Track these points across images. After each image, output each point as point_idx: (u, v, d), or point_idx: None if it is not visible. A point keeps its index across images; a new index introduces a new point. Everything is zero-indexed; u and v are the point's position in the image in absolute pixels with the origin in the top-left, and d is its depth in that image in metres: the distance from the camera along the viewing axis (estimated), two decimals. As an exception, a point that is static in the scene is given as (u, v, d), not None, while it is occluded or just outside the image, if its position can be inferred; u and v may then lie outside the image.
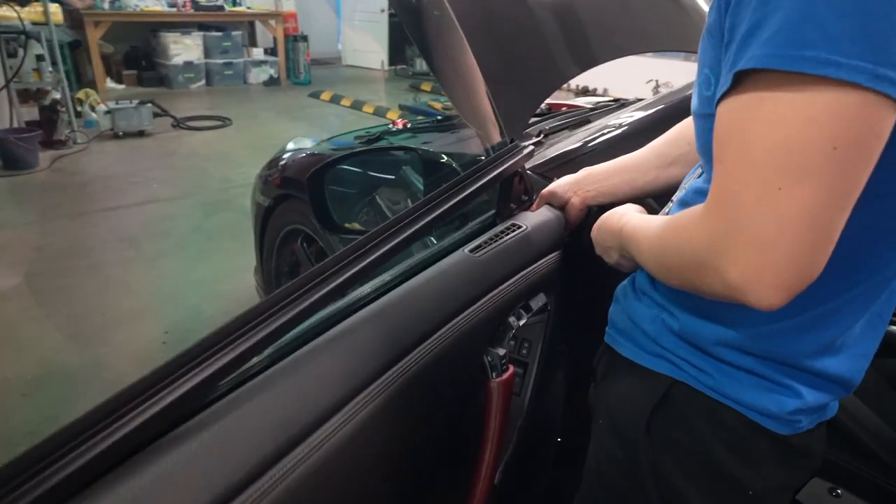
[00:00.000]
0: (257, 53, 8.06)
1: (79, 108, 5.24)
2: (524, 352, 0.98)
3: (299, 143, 2.19)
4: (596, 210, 1.06)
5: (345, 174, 1.72)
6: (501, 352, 0.83)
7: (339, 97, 6.98)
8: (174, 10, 7.32)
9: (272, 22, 8.09)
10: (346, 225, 1.71)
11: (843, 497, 1.15)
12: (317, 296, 0.58)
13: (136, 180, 4.21)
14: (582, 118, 1.61)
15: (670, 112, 1.34)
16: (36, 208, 3.76)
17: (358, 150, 1.81)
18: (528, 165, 1.09)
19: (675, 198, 0.77)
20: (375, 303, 0.70)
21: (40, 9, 4.99)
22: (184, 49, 7.29)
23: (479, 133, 1.11)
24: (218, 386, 0.51)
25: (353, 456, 0.59)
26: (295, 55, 8.09)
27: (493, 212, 1.03)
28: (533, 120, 1.62)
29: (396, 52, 9.08)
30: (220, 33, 7.62)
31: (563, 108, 2.06)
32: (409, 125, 2.09)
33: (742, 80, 0.46)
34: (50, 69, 4.74)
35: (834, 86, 0.41)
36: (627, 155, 0.99)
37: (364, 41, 9.24)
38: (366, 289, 0.76)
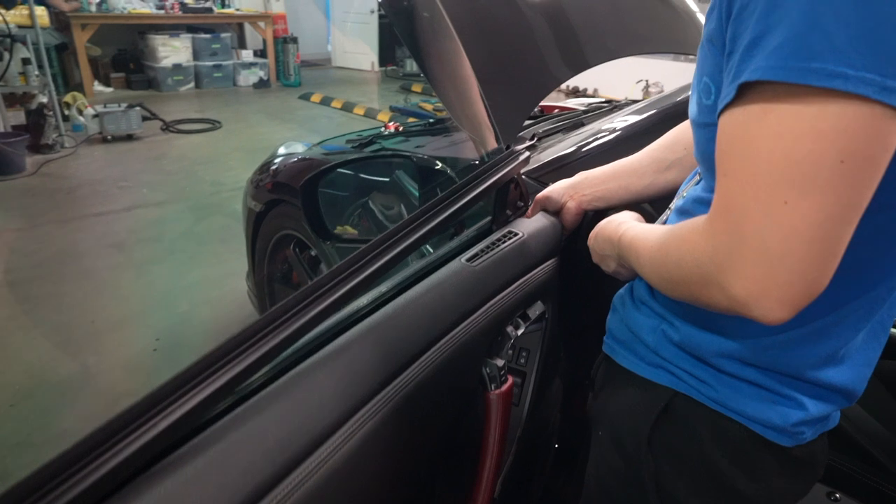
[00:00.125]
0: (247, 55, 8.01)
1: (66, 112, 5.18)
2: (522, 361, 0.97)
3: (291, 148, 2.17)
4: (592, 215, 1.05)
5: (337, 179, 1.70)
6: (500, 363, 0.82)
7: (330, 99, 6.96)
8: (162, 12, 7.26)
9: (261, 24, 8.05)
10: (339, 228, 1.70)
11: (841, 501, 1.15)
12: (315, 311, 0.56)
13: (125, 185, 4.17)
14: (575, 121, 1.61)
15: (665, 116, 1.33)
16: (23, 214, 3.72)
17: (351, 157, 1.79)
18: (522, 171, 1.08)
19: (672, 205, 0.77)
20: (372, 317, 0.69)
21: (26, 12, 4.94)
22: (172, 51, 7.24)
23: (473, 138, 1.10)
24: (212, 409, 0.50)
25: (351, 476, 0.57)
26: (285, 57, 8.05)
27: (489, 218, 1.02)
28: (525, 123, 1.61)
29: (386, 54, 9.06)
30: (208, 35, 7.57)
31: (556, 111, 2.05)
32: (400, 128, 2.08)
33: (746, 92, 0.45)
34: (36, 73, 4.69)
35: (841, 98, 0.41)
36: (624, 159, 0.98)
37: (354, 42, 9.22)
38: (362, 300, 0.75)
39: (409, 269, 0.84)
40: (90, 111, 5.12)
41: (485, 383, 0.81)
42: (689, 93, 0.63)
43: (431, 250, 0.98)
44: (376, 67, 9.13)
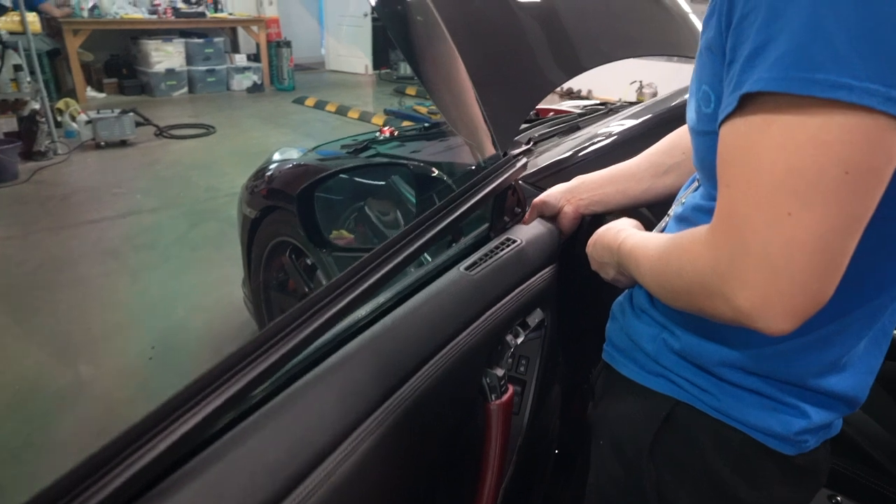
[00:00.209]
0: (240, 60, 7.99)
1: (59, 119, 5.16)
2: (522, 369, 0.96)
3: (286, 154, 2.16)
4: (589, 219, 1.04)
5: (333, 184, 1.69)
6: (500, 372, 0.81)
7: (324, 103, 6.94)
8: (155, 17, 7.23)
9: (255, 28, 8.04)
10: (335, 233, 1.69)
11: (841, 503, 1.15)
12: (314, 326, 0.55)
13: (119, 191, 4.15)
14: (571, 124, 1.60)
15: (661, 120, 1.33)
16: (16, 221, 3.69)
17: (347, 166, 1.78)
18: (519, 176, 1.08)
19: (671, 212, 0.76)
20: (371, 329, 0.68)
21: (17, 18, 4.91)
22: (165, 56, 7.21)
23: (470, 144, 1.10)
24: (211, 428, 0.49)
25: (353, 491, 0.56)
26: (278, 61, 8.04)
27: (486, 225, 1.01)
28: (521, 127, 1.61)
29: (380, 57, 9.06)
30: (201, 40, 7.54)
31: (551, 114, 2.05)
32: (396, 132, 2.07)
33: (748, 102, 0.45)
34: (28, 79, 4.66)
35: (845, 109, 0.40)
36: (621, 163, 0.98)
37: (347, 46, 9.21)
38: (361, 311, 0.74)
39: (408, 279, 0.83)
40: (83, 117, 5.09)
41: (485, 394, 0.80)
42: (685, 97, 0.62)
43: (430, 258, 0.97)
44: (370, 70, 9.13)
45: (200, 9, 7.63)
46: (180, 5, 7.49)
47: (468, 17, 1.05)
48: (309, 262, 1.84)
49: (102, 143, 5.01)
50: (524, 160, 0.98)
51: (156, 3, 7.27)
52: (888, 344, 0.65)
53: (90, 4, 6.62)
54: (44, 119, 4.70)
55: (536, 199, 1.03)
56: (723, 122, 0.48)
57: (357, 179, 1.76)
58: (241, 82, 7.88)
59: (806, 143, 0.42)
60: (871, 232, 0.46)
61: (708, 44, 0.53)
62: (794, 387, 0.62)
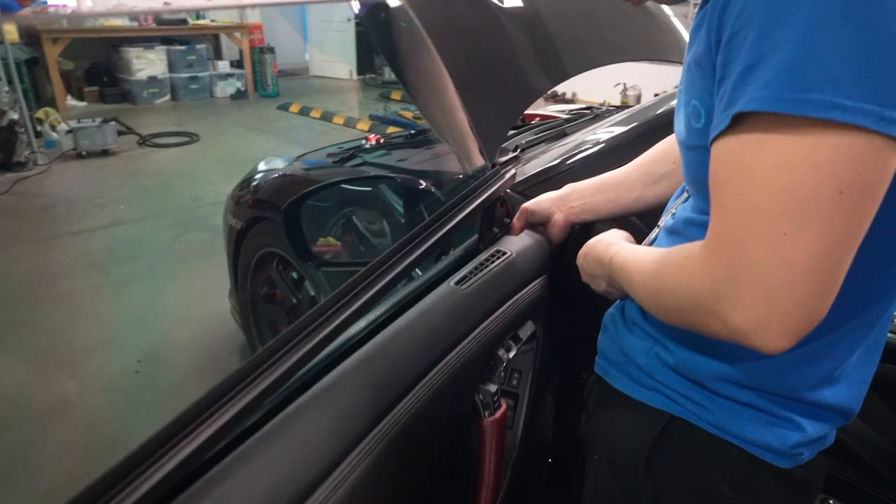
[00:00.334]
0: (223, 66, 7.92)
1: (39, 128, 5.07)
2: (514, 382, 0.95)
3: (271, 163, 2.14)
4: (578, 228, 1.04)
5: (320, 196, 1.68)
6: (493, 388, 0.80)
7: (309, 109, 6.90)
8: (136, 24, 7.14)
9: (237, 34, 7.97)
10: (322, 240, 1.67)
11: (834, 507, 1.15)
12: (304, 350, 0.54)
13: (102, 202, 4.09)
14: (558, 131, 1.60)
15: (649, 128, 1.33)
16: (-4, 234, 3.63)
17: (334, 180, 1.77)
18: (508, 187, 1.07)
19: (661, 223, 0.76)
20: (361, 349, 0.67)
21: (-6, 27, 4.83)
22: (147, 64, 7.13)
23: (458, 154, 1.09)
24: (198, 461, 0.47)
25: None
26: (262, 67, 7.98)
27: (475, 237, 1.00)
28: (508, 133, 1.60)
29: (364, 62, 9.03)
30: (184, 47, 7.47)
31: (537, 119, 2.05)
32: (382, 140, 2.06)
33: (741, 121, 0.44)
34: (6, 89, 4.59)
35: (839, 129, 0.40)
36: (612, 172, 0.98)
37: (331, 51, 9.17)
38: (351, 329, 0.73)
39: (398, 294, 0.82)
40: (63, 127, 5.01)
41: (478, 411, 0.80)
42: (672, 103, 0.62)
43: (419, 272, 0.96)
44: (355, 76, 9.09)
45: (182, 16, 7.55)
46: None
47: (451, 24, 1.04)
48: (295, 275, 1.82)
49: (84, 153, 4.94)
50: (513, 171, 0.97)
51: (136, 10, 7.19)
52: (880, 353, 0.65)
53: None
54: (23, 129, 4.62)
55: (524, 205, 1.02)
56: (714, 139, 0.48)
57: (344, 187, 1.74)
58: (225, 89, 7.81)
59: (800, 163, 0.41)
60: (867, 246, 0.46)
61: (697, 59, 0.53)
62: (788, 400, 0.62)
